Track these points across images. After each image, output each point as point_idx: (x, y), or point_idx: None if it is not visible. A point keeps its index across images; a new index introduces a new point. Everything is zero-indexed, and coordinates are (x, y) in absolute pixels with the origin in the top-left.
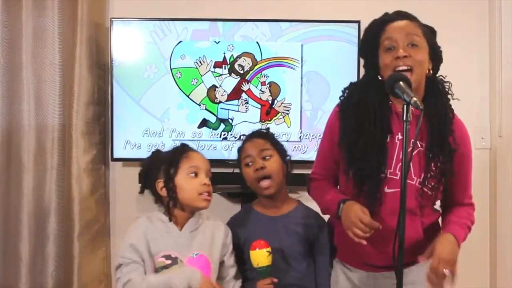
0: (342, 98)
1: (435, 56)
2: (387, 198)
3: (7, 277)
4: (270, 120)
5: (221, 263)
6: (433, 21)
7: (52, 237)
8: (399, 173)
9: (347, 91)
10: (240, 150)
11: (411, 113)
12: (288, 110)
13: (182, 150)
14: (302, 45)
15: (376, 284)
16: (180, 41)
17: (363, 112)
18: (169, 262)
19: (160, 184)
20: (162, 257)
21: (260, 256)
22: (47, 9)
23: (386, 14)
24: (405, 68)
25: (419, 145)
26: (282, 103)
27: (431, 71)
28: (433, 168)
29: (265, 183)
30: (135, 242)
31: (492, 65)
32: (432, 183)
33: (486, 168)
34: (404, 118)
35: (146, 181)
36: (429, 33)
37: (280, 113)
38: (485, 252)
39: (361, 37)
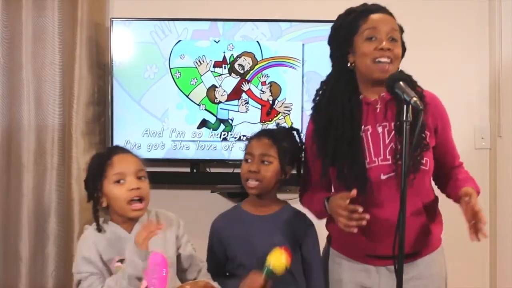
0: (314, 99)
1: (402, 53)
2: (384, 184)
3: (7, 277)
4: (270, 121)
5: (178, 256)
6: (433, 21)
7: (52, 237)
8: (390, 157)
9: (320, 91)
10: (247, 142)
11: (380, 98)
12: (289, 111)
13: (107, 157)
14: (303, 45)
15: (380, 277)
16: (179, 41)
17: (332, 109)
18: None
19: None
20: (117, 262)
21: (280, 262)
22: (47, 9)
23: (365, 4)
24: (387, 60)
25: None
26: (283, 104)
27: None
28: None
29: (252, 183)
30: (87, 254)
31: (492, 65)
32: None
33: (486, 168)
34: (404, 118)
35: (88, 189)
36: (401, 30)
37: (281, 114)
38: (485, 252)
39: (334, 24)
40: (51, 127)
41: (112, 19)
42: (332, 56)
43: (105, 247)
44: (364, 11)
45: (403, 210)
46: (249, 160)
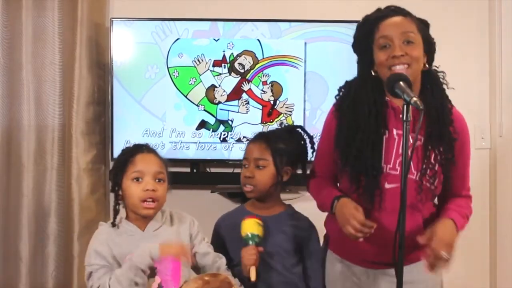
0: (338, 97)
1: (430, 49)
2: (387, 193)
3: (7, 277)
4: (272, 122)
5: (194, 255)
6: (433, 21)
7: (52, 237)
8: (398, 168)
9: (343, 89)
10: (247, 146)
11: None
12: (290, 111)
13: (130, 153)
14: (305, 43)
15: (374, 280)
16: (177, 39)
17: (358, 110)
18: None
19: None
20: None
21: (252, 224)
22: (47, 9)
23: (379, 9)
24: (403, 67)
25: (418, 139)
26: (284, 104)
27: (427, 65)
28: (432, 161)
29: (247, 188)
30: (99, 248)
31: (492, 65)
32: (431, 175)
33: (486, 168)
34: (404, 118)
35: (111, 181)
36: (423, 27)
37: (282, 114)
38: (485, 252)
39: (354, 34)
40: (51, 127)
41: (112, 19)
42: (358, 63)
43: (117, 244)
44: (377, 19)
45: (403, 211)
46: (246, 165)
